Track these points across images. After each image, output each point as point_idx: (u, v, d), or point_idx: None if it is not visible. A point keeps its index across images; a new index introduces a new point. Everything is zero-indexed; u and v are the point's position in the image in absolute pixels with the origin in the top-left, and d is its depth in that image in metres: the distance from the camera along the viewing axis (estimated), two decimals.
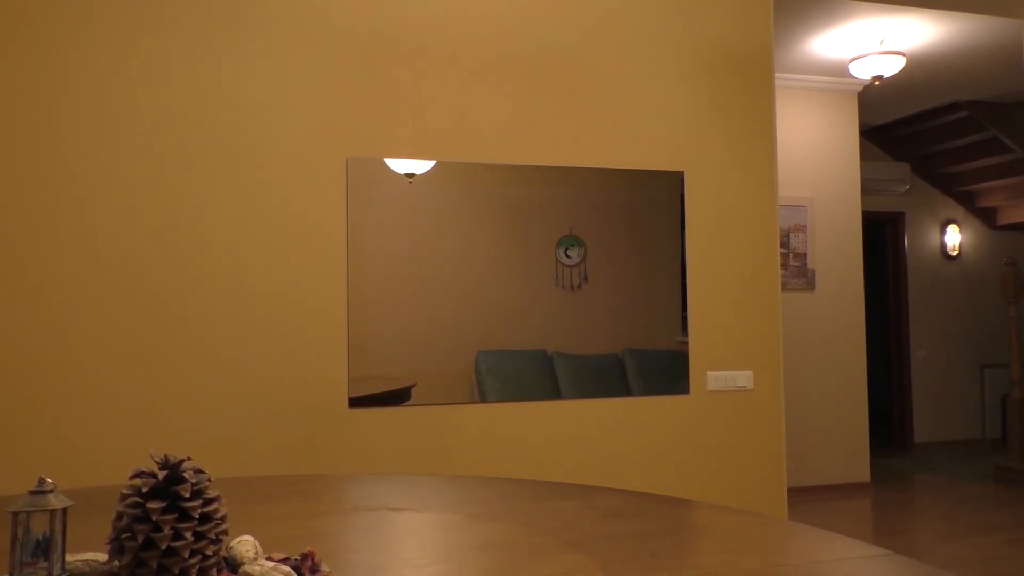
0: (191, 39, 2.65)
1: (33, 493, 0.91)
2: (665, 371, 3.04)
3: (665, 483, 3.02)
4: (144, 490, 0.93)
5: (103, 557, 0.99)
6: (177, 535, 0.91)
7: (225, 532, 0.97)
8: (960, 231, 7.53)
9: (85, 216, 2.54)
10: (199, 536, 0.93)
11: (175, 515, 0.92)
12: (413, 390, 2.77)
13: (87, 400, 2.51)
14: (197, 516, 0.93)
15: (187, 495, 0.93)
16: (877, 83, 5.32)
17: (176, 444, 2.57)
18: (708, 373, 3.09)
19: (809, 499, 5.51)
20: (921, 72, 5.63)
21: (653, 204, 3.06)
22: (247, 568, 0.96)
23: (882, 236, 7.67)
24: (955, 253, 7.48)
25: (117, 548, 0.93)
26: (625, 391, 2.99)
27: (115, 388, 2.53)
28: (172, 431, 2.57)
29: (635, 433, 3.00)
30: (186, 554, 0.91)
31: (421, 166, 2.83)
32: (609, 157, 3.02)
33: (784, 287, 5.62)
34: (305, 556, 1.01)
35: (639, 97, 3.08)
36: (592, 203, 2.98)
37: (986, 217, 7.60)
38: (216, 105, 2.66)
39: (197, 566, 0.93)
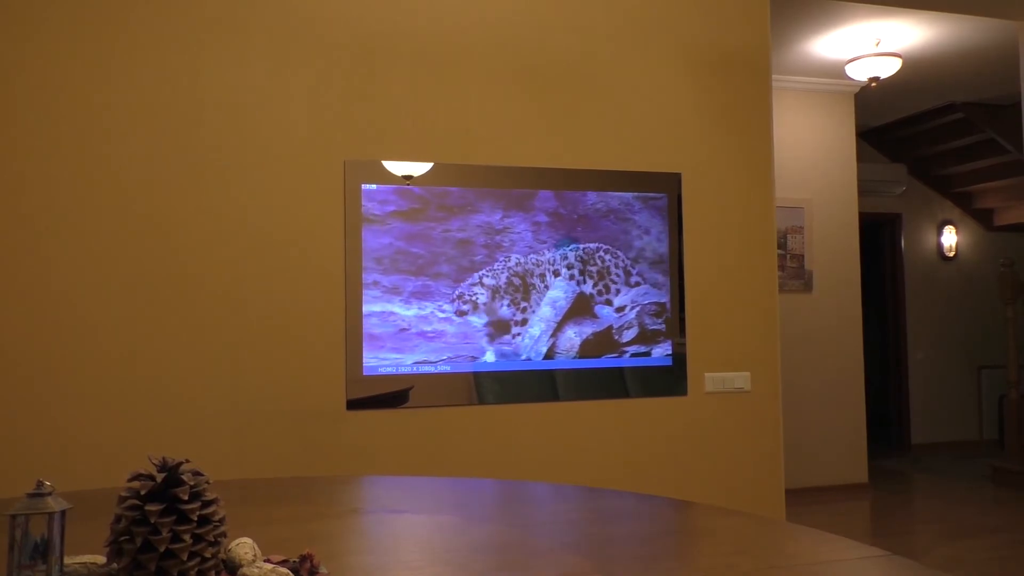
0: (189, 41, 2.65)
1: (31, 496, 0.90)
2: (663, 373, 3.04)
3: (663, 485, 3.03)
4: (142, 492, 0.93)
5: (101, 560, 0.99)
6: (175, 538, 0.91)
7: (223, 534, 0.97)
8: (957, 232, 7.54)
9: (81, 218, 2.53)
10: (197, 538, 0.93)
11: (173, 518, 0.92)
12: (411, 392, 2.77)
13: (85, 403, 2.51)
14: (195, 518, 0.93)
15: (185, 497, 0.93)
16: (874, 85, 5.34)
17: (174, 446, 2.57)
18: (706, 375, 3.09)
19: (807, 500, 5.51)
20: (917, 74, 5.64)
21: (651, 205, 3.06)
22: (245, 570, 0.96)
23: (879, 237, 7.69)
24: (952, 254, 7.49)
25: (115, 551, 0.93)
26: (623, 393, 2.99)
27: (113, 391, 2.53)
28: (170, 433, 2.57)
29: (633, 435, 3.00)
30: (184, 556, 0.91)
31: (419, 168, 2.83)
32: (607, 159, 3.03)
33: (781, 288, 5.63)
34: (304, 558, 1.01)
35: (636, 99, 3.09)
36: (590, 204, 2.98)
37: (983, 218, 7.62)
38: (213, 108, 2.66)
39: (195, 568, 0.93)
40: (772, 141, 3.24)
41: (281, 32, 2.73)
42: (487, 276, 2.83)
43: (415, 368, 2.77)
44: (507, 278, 2.86)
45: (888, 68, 5.09)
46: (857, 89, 5.84)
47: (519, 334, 2.87)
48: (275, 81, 2.72)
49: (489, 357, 2.84)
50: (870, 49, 5.08)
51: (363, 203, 2.75)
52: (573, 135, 3.00)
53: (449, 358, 2.81)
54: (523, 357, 2.87)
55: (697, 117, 3.15)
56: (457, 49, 2.90)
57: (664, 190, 3.07)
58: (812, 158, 5.77)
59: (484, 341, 2.84)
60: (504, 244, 2.85)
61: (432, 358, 2.79)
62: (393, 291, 2.76)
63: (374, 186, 2.77)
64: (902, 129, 6.92)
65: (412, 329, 2.77)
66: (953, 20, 4.67)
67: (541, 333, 2.87)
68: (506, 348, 2.86)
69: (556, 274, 2.89)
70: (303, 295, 2.71)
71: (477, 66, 2.92)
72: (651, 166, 3.08)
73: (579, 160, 3.00)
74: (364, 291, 2.75)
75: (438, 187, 2.83)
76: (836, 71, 5.53)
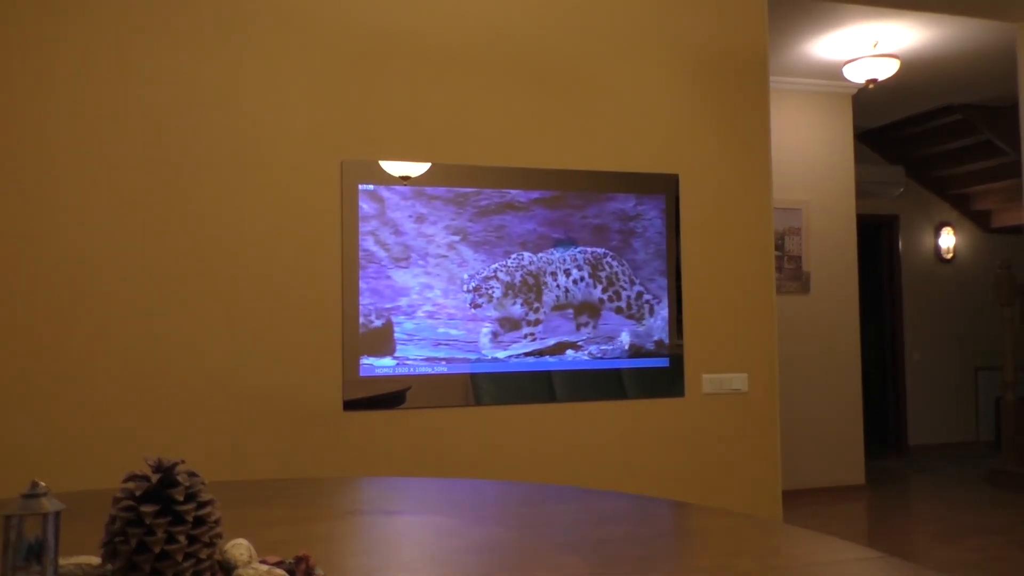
0: (185, 41, 2.64)
1: (26, 497, 0.90)
2: (660, 374, 3.04)
3: (660, 486, 3.02)
4: (137, 493, 0.93)
5: (96, 561, 0.98)
6: (171, 539, 0.91)
7: (219, 536, 0.97)
8: (954, 234, 7.55)
9: (76, 219, 2.53)
10: (193, 540, 0.93)
11: (169, 519, 0.91)
12: (408, 393, 2.77)
13: (80, 403, 2.50)
14: (191, 519, 0.93)
15: (181, 498, 0.93)
16: (871, 86, 5.34)
17: (170, 447, 2.57)
18: (703, 376, 3.09)
19: (804, 502, 5.52)
20: (915, 75, 5.65)
21: (648, 206, 3.06)
22: (241, 572, 0.96)
23: (876, 239, 7.70)
24: (949, 256, 7.50)
25: (110, 552, 0.93)
26: (620, 394, 2.99)
27: (108, 391, 2.52)
28: (166, 434, 2.56)
29: (630, 436, 3.00)
30: (180, 558, 0.91)
31: (416, 168, 2.83)
32: (604, 160, 3.03)
33: (779, 290, 5.63)
34: (299, 560, 1.00)
35: (634, 100, 3.09)
36: (587, 205, 2.98)
37: (980, 220, 7.62)
38: (210, 108, 2.66)
39: (191, 570, 0.92)
40: (770, 143, 3.24)
41: (278, 33, 2.73)
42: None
43: (412, 368, 2.77)
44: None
45: (886, 70, 5.10)
46: (855, 91, 5.85)
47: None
48: (272, 82, 2.72)
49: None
50: (868, 51, 5.08)
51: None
52: (570, 136, 3.00)
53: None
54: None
55: (695, 118, 3.15)
56: (454, 50, 2.90)
57: (661, 192, 3.07)
58: (810, 160, 5.78)
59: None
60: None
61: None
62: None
63: (371, 186, 2.77)
64: (900, 131, 6.93)
65: None
66: (951, 22, 4.68)
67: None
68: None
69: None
70: (300, 296, 2.70)
71: (474, 67, 2.92)
72: (648, 167, 3.08)
73: (575, 161, 3.00)
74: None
75: (434, 187, 2.83)
76: (834, 73, 5.53)
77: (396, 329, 2.75)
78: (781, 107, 5.71)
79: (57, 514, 0.91)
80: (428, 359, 2.77)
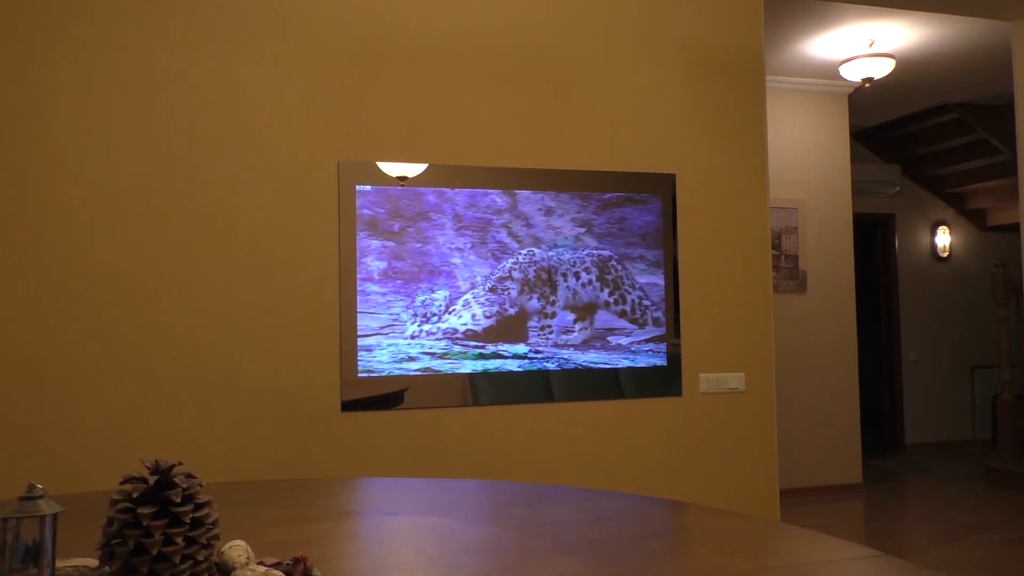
0: (182, 42, 2.64)
1: (23, 499, 0.90)
2: (658, 373, 3.04)
3: (658, 485, 3.03)
4: (135, 495, 0.93)
5: (93, 563, 0.99)
6: (168, 540, 0.91)
7: (216, 537, 0.97)
8: (950, 233, 7.56)
9: (74, 220, 2.53)
10: (190, 541, 0.93)
11: (166, 520, 0.92)
12: (406, 393, 2.77)
13: (77, 405, 2.50)
14: (188, 521, 0.93)
15: (178, 500, 0.93)
16: (867, 85, 5.35)
17: (167, 449, 2.56)
18: (700, 375, 3.09)
19: (801, 501, 5.52)
20: (911, 74, 5.65)
21: (645, 206, 3.07)
22: (238, 573, 0.96)
23: (873, 238, 7.71)
24: (945, 255, 7.51)
25: (108, 554, 0.93)
26: (618, 394, 2.99)
27: (105, 393, 2.52)
28: (163, 436, 2.56)
29: (628, 436, 3.00)
30: (177, 559, 0.91)
31: (413, 169, 2.83)
32: (601, 160, 3.03)
33: (775, 289, 5.64)
34: (297, 561, 1.00)
35: (631, 100, 3.09)
36: (585, 206, 2.98)
37: (976, 219, 7.64)
38: (207, 109, 2.65)
39: (188, 571, 0.92)
40: (766, 142, 3.24)
41: (274, 34, 2.73)
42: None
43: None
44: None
45: (881, 69, 5.11)
46: (851, 90, 5.85)
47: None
48: (269, 82, 2.71)
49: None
50: (864, 50, 5.09)
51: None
52: (567, 136, 3.00)
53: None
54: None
55: (692, 118, 3.16)
56: (451, 50, 2.90)
57: (658, 191, 3.08)
58: (806, 159, 5.78)
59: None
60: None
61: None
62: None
63: (368, 187, 2.77)
64: (896, 130, 6.94)
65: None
66: (946, 21, 4.69)
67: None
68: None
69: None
70: (297, 296, 2.70)
71: (470, 67, 2.92)
72: (645, 167, 3.08)
73: (573, 161, 3.00)
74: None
75: (433, 188, 2.83)
76: (830, 72, 5.54)
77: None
78: (777, 106, 5.72)
79: (54, 516, 0.90)
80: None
